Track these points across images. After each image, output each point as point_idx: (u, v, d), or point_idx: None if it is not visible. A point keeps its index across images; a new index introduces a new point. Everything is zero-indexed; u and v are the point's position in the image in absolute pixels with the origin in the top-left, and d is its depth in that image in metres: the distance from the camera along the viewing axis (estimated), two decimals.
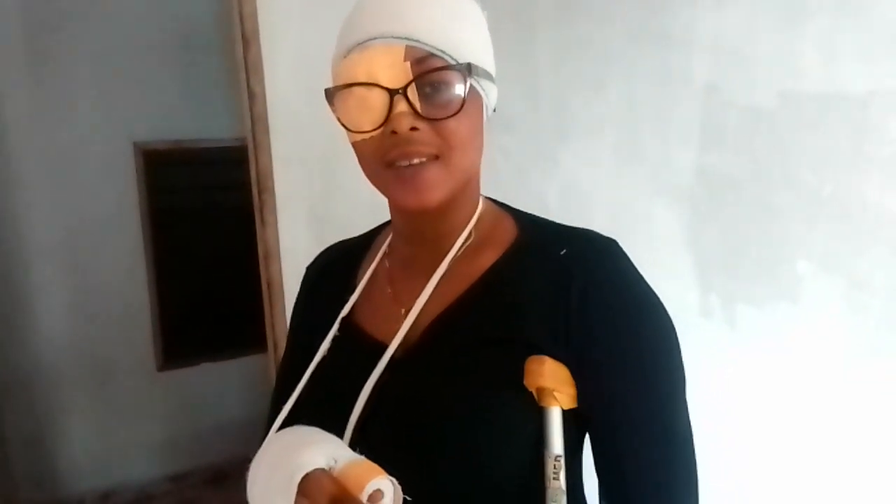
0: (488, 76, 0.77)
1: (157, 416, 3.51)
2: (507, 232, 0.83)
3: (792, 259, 1.43)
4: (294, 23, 1.96)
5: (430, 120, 0.72)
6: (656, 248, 1.63)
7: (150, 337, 3.44)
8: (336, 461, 0.64)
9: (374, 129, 0.72)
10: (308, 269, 1.02)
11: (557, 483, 0.73)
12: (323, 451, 0.65)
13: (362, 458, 0.66)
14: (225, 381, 3.62)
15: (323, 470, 0.63)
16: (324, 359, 0.85)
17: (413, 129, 0.71)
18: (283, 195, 2.08)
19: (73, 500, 3.35)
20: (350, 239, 1.01)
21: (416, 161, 0.73)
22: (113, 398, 3.40)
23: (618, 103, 1.69)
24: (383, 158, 0.74)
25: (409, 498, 0.65)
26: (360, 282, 0.90)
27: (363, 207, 1.99)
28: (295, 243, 2.10)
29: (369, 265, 0.91)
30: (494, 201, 0.89)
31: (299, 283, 2.33)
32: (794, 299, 1.43)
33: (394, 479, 0.64)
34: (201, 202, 3.44)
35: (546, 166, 1.84)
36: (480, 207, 0.85)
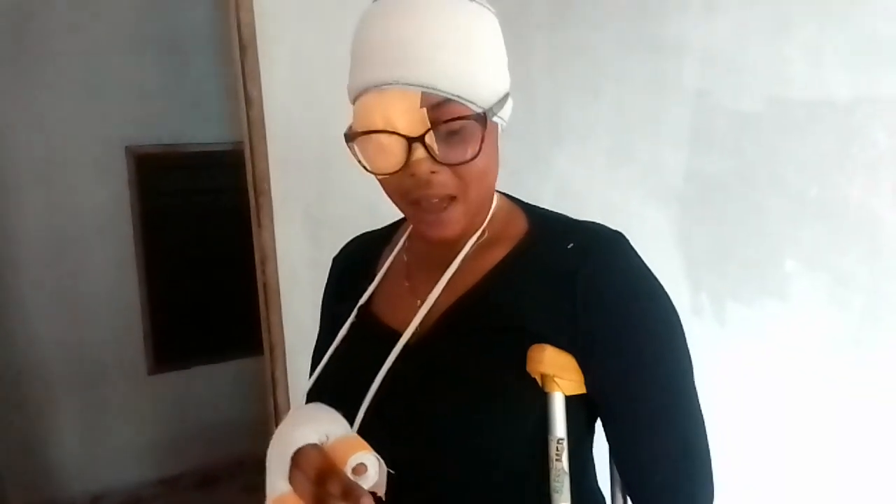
0: (504, 100, 0.78)
1: (147, 419, 3.51)
2: (518, 227, 0.88)
3: (779, 258, 1.48)
4: (290, 28, 1.98)
5: (449, 164, 0.74)
6: (647, 248, 1.67)
7: (141, 340, 3.44)
8: (328, 437, 0.70)
9: (395, 172, 0.75)
10: (334, 259, 1.07)
11: (560, 464, 0.78)
12: (317, 428, 0.71)
13: (353, 434, 0.72)
14: (215, 385, 3.63)
15: (315, 445, 0.69)
16: (344, 343, 0.91)
17: (433, 171, 0.74)
18: (279, 198, 2.08)
19: (63, 503, 3.35)
20: (373, 231, 1.05)
21: (435, 200, 0.77)
22: (103, 401, 3.40)
23: (610, 108, 1.74)
24: (405, 197, 0.78)
25: (392, 472, 0.70)
26: (379, 272, 0.95)
27: (359, 209, 2.02)
28: (291, 246, 2.11)
29: (388, 257, 0.96)
30: (508, 196, 0.93)
31: (295, 286, 2.33)
32: (782, 296, 1.49)
33: (378, 456, 0.69)
34: (192, 205, 3.45)
35: (540, 169, 1.88)
36: (494, 205, 0.88)
